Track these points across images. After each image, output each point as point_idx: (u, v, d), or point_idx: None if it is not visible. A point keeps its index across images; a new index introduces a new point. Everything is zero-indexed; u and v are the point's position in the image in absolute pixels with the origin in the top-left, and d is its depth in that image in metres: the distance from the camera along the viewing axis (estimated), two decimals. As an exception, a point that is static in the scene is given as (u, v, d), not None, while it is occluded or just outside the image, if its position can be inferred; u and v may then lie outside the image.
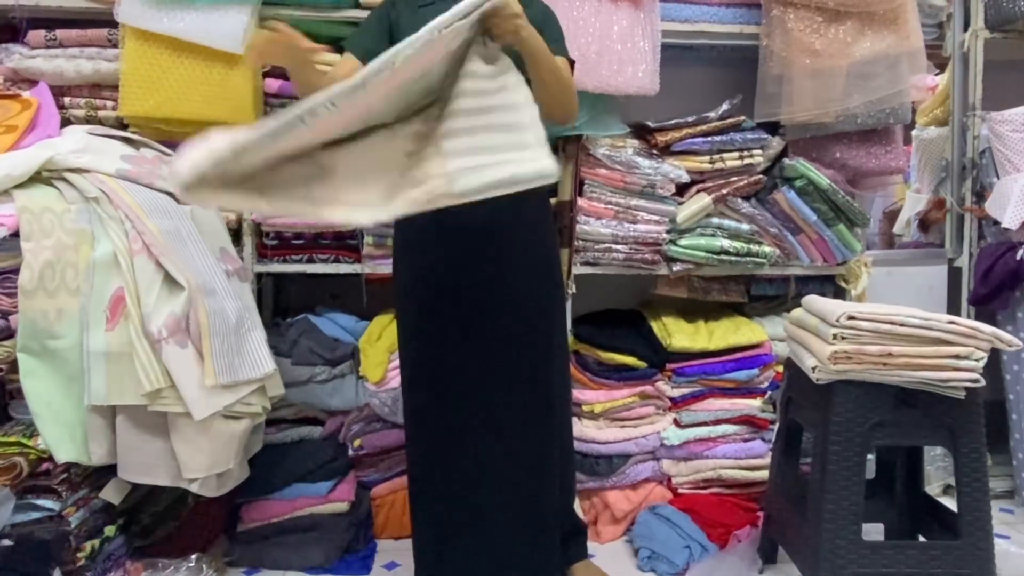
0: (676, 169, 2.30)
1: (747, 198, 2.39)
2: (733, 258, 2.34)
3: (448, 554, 1.72)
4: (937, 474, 2.56)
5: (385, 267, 2.26)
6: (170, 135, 2.11)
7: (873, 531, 2.01)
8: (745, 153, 2.36)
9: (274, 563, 2.05)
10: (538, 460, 1.76)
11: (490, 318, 1.71)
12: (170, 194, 1.93)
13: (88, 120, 2.12)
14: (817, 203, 2.36)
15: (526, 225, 1.77)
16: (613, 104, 2.36)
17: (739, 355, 2.34)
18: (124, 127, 2.09)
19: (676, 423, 2.34)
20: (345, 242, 2.25)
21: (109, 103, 2.12)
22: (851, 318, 1.69)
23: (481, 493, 1.71)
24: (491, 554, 1.72)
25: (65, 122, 2.08)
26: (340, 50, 2.19)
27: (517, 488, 1.73)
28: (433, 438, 1.73)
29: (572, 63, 1.86)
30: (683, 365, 2.31)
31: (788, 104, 2.36)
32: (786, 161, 2.40)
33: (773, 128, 2.43)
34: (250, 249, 2.21)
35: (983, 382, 1.68)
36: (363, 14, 2.20)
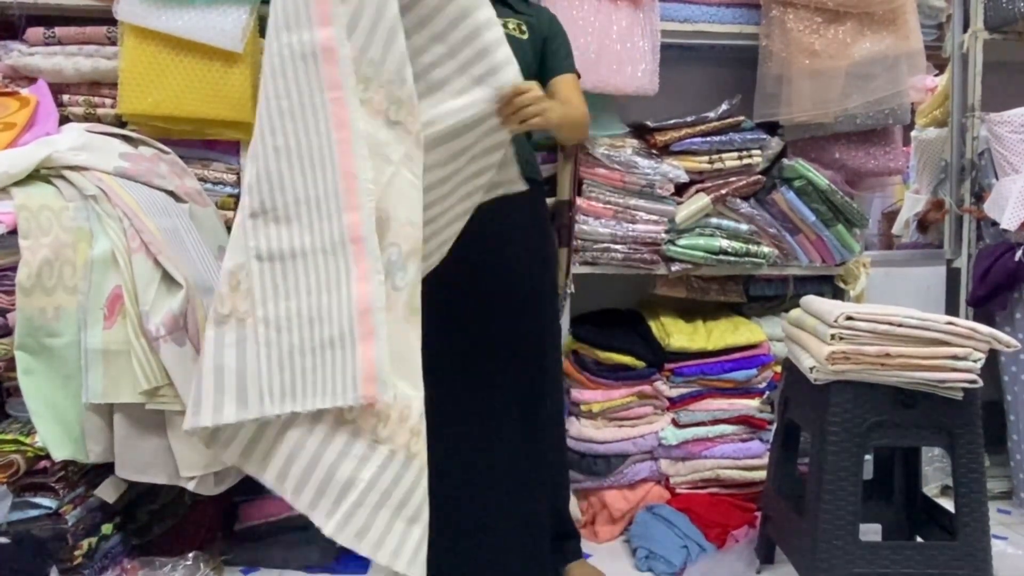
0: (675, 169, 2.30)
1: (746, 198, 2.39)
2: (732, 258, 2.34)
3: (440, 556, 1.72)
4: (935, 475, 2.56)
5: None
6: (169, 133, 2.10)
7: (871, 532, 2.01)
8: (744, 153, 2.36)
9: (271, 562, 2.05)
10: (528, 466, 1.76)
11: (481, 321, 1.72)
12: (169, 192, 1.93)
13: (87, 118, 2.12)
14: (816, 203, 2.36)
15: (522, 227, 1.79)
16: (612, 104, 2.36)
17: (737, 355, 2.35)
18: (123, 125, 2.09)
19: (674, 423, 2.34)
20: (344, 241, 2.25)
21: (108, 101, 2.11)
22: (849, 318, 1.70)
23: (471, 498, 1.71)
24: (482, 556, 1.72)
25: (63, 120, 2.08)
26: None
27: (507, 494, 1.73)
28: (439, 432, 1.72)
29: (578, 76, 1.87)
30: (681, 365, 2.31)
31: (787, 104, 2.36)
32: (785, 161, 2.40)
33: (772, 128, 2.43)
34: (248, 247, 2.20)
35: (981, 383, 1.69)
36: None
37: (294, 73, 1.33)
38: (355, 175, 1.30)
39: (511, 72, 1.45)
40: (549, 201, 2.21)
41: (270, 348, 1.34)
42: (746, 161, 2.36)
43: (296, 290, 1.35)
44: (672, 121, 2.33)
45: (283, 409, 1.32)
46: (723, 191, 2.33)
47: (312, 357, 1.33)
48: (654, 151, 2.34)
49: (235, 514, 2.11)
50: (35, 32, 2.10)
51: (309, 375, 1.33)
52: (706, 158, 2.35)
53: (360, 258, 1.30)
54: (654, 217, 2.31)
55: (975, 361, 1.67)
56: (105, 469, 1.77)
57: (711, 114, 2.36)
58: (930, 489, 2.51)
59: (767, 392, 2.38)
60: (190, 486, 1.75)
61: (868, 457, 1.94)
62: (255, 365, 1.33)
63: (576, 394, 2.31)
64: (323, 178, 1.32)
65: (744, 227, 2.37)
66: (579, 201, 2.28)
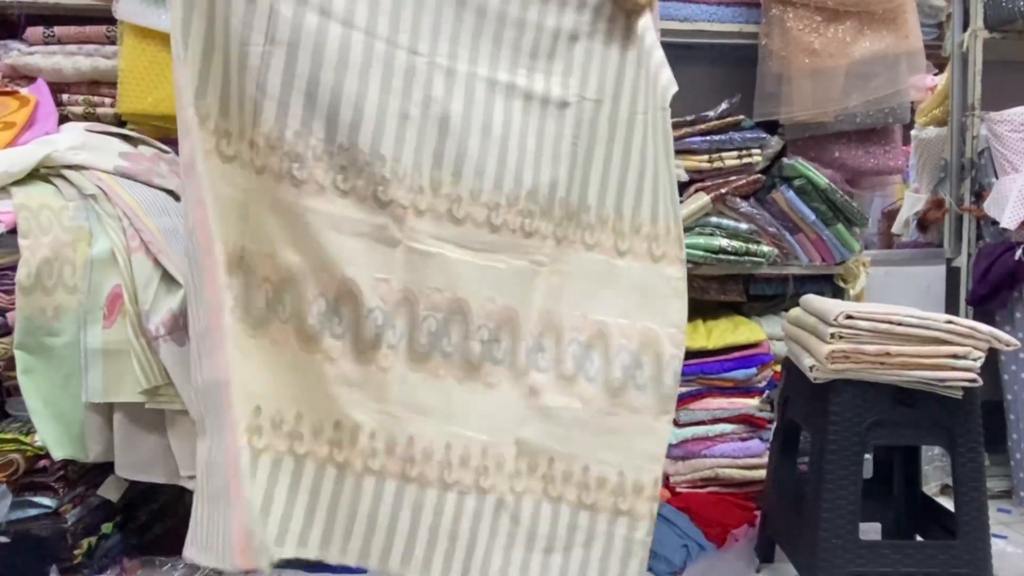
0: (675, 168, 2.30)
1: (746, 197, 2.39)
2: (731, 257, 2.34)
3: None
4: (935, 474, 2.56)
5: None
6: (168, 132, 2.10)
7: (870, 531, 2.01)
8: (744, 152, 2.36)
9: (271, 561, 2.05)
10: None
11: None
12: (169, 191, 1.93)
13: (86, 117, 2.12)
14: (816, 203, 2.36)
15: None
16: (612, 103, 2.36)
17: (737, 354, 2.34)
18: (122, 124, 2.09)
19: (674, 422, 2.33)
20: (343, 240, 2.25)
21: (107, 100, 2.12)
22: (849, 317, 1.69)
23: None
24: None
25: (63, 119, 2.08)
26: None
27: None
28: None
29: None
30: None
31: (787, 103, 2.36)
32: (785, 160, 2.40)
33: (772, 127, 2.43)
34: (248, 247, 2.20)
35: (980, 382, 1.69)
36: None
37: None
38: (220, 308, 1.19)
39: None
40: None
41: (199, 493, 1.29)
42: (746, 160, 2.36)
43: (204, 431, 1.27)
44: (672, 120, 2.33)
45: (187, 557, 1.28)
46: (723, 190, 2.32)
47: (207, 507, 1.25)
48: (654, 150, 2.33)
49: (235, 513, 2.11)
50: (34, 31, 2.10)
51: (203, 526, 1.27)
52: (706, 157, 2.35)
53: (227, 405, 1.18)
54: (654, 216, 2.31)
55: (975, 360, 1.67)
56: (105, 468, 1.77)
57: (711, 113, 2.36)
58: (930, 488, 2.51)
59: (767, 391, 2.38)
60: (190, 485, 1.75)
61: (868, 456, 1.94)
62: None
63: (576, 393, 2.31)
64: (204, 312, 1.22)
65: (744, 226, 2.36)
66: (579, 200, 2.28)
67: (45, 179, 1.77)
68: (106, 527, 1.85)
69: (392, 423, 1.27)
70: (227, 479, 1.18)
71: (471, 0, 1.31)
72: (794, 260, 2.44)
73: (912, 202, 3.04)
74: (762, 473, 2.26)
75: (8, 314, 1.68)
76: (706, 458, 2.33)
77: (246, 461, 1.18)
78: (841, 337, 1.70)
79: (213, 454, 1.23)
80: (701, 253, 2.32)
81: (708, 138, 2.33)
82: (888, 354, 1.68)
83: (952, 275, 2.69)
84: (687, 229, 2.34)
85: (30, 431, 1.69)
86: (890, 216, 3.35)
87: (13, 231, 1.65)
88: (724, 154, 2.35)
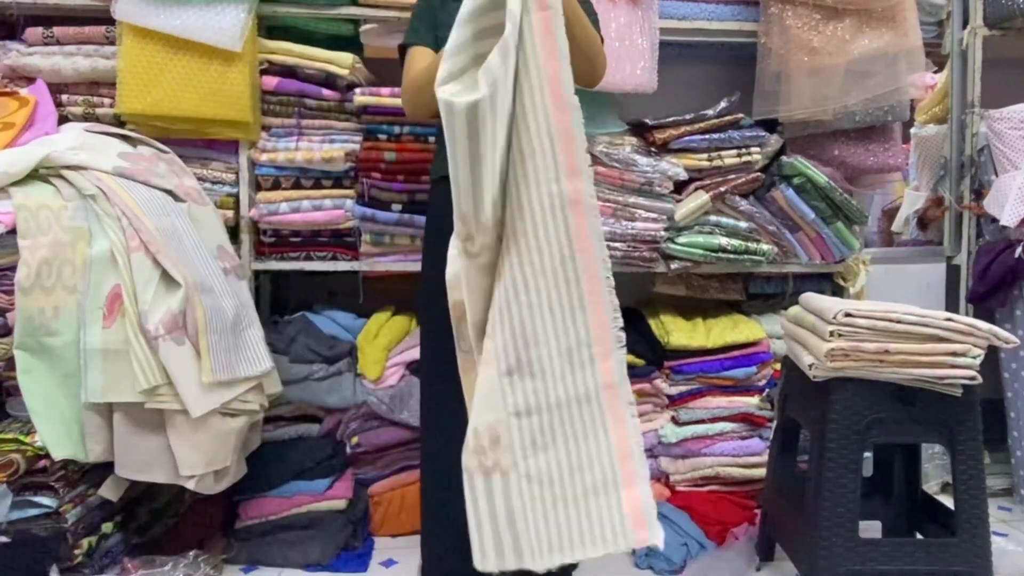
0: (674, 167, 2.30)
1: (745, 196, 2.39)
2: (731, 256, 2.34)
3: (457, 549, 1.72)
4: (935, 472, 2.56)
5: (383, 264, 2.27)
6: (167, 132, 2.11)
7: (870, 529, 2.01)
8: (743, 151, 2.36)
9: (272, 560, 2.05)
10: None
11: None
12: (168, 191, 1.93)
13: (86, 117, 2.12)
14: (815, 201, 2.36)
15: None
16: (611, 102, 2.36)
17: (737, 353, 2.34)
18: (121, 124, 2.09)
19: (674, 421, 2.34)
20: (343, 239, 2.25)
21: (107, 100, 2.12)
22: (848, 315, 1.69)
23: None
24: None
25: (62, 119, 2.08)
26: (337, 48, 2.21)
27: None
28: (450, 432, 1.72)
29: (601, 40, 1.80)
30: (681, 363, 2.31)
31: (786, 102, 2.36)
32: (784, 159, 2.40)
33: (771, 126, 2.43)
34: (248, 246, 2.21)
35: (980, 379, 1.69)
36: (361, 11, 2.21)
37: (544, 228, 1.38)
38: (606, 323, 1.35)
39: None
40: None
41: (535, 503, 1.38)
42: (745, 159, 2.36)
43: (554, 442, 1.39)
44: (671, 119, 2.33)
45: (552, 563, 1.35)
46: (722, 189, 2.32)
47: (576, 507, 1.37)
48: (653, 149, 2.33)
49: (235, 512, 2.12)
50: (34, 32, 2.11)
51: (575, 524, 1.37)
52: (705, 156, 2.35)
53: (613, 403, 1.35)
54: (653, 215, 2.31)
55: (974, 357, 1.67)
56: (105, 468, 1.77)
57: (710, 111, 2.36)
58: (930, 486, 2.51)
59: (767, 389, 2.38)
60: (190, 485, 1.76)
61: (868, 454, 1.94)
62: (523, 520, 1.38)
63: (576, 392, 2.31)
64: (574, 329, 1.37)
65: (743, 225, 2.36)
66: (578, 199, 2.28)
67: (44, 179, 1.77)
68: (106, 527, 1.85)
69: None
70: (613, 468, 1.34)
71: None
72: (794, 258, 2.44)
73: (912, 200, 3.04)
74: (762, 471, 2.26)
75: (8, 314, 1.68)
76: (706, 457, 2.33)
77: (639, 443, 1.33)
78: (840, 335, 1.70)
79: (582, 458, 1.37)
80: (700, 252, 2.32)
81: (707, 136, 2.33)
82: (887, 352, 1.68)
83: (952, 273, 2.69)
84: (686, 228, 2.34)
85: (30, 431, 1.69)
86: (890, 214, 3.35)
87: (12, 231, 1.65)
88: (723, 152, 2.35)
